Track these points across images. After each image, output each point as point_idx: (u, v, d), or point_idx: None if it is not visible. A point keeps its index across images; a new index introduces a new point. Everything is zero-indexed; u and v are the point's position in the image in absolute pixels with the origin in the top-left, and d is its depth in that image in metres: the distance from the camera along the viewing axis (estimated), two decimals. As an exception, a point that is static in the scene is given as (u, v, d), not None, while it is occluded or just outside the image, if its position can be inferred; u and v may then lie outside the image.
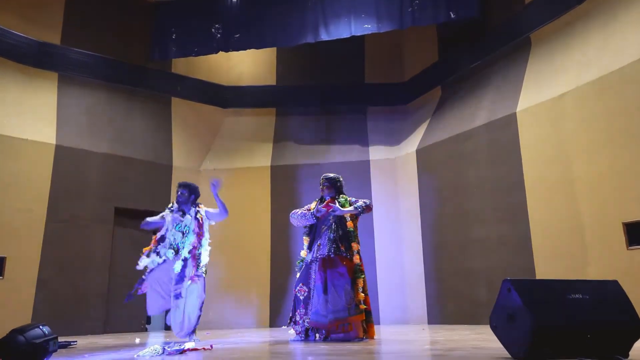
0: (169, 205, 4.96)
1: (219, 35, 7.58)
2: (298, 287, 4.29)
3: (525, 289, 2.40)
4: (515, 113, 6.00)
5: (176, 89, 8.01)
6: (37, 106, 6.61)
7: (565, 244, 5.25)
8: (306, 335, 4.22)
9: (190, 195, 4.92)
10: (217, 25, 7.59)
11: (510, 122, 6.04)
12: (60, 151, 6.59)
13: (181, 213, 4.83)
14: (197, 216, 4.83)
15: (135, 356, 3.12)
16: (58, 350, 3.19)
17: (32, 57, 6.65)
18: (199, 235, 4.74)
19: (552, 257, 5.39)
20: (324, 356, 2.89)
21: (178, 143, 7.88)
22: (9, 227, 6.00)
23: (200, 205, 4.97)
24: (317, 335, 4.17)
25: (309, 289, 4.22)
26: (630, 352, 2.39)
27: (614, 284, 2.55)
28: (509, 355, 2.42)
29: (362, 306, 4.12)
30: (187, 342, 4.02)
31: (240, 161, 8.10)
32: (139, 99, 7.64)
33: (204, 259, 4.68)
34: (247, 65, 8.74)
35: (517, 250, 5.76)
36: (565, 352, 2.28)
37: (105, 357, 3.22)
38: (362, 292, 4.19)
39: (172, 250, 4.59)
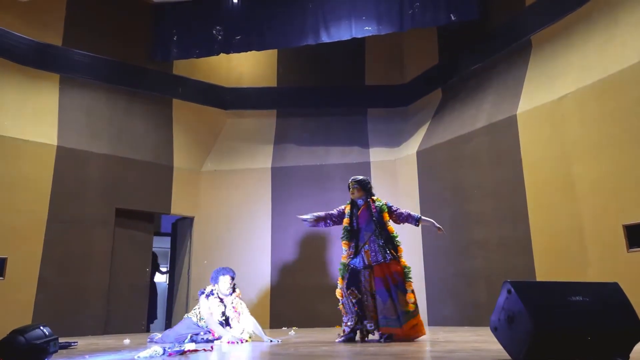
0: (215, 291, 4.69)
1: (220, 37, 7.59)
2: (349, 292, 4.24)
3: (526, 291, 2.40)
4: (515, 115, 6.00)
5: (177, 90, 8.02)
6: (38, 107, 6.62)
7: (566, 246, 5.25)
8: (351, 333, 4.22)
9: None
10: (218, 27, 7.61)
11: (510, 125, 6.05)
12: (62, 152, 6.60)
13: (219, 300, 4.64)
14: (233, 304, 4.70)
15: (135, 357, 3.12)
16: (58, 351, 3.20)
17: (33, 59, 6.67)
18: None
19: (552, 259, 5.39)
20: (323, 357, 2.90)
21: (179, 144, 7.90)
22: (10, 227, 6.01)
23: (237, 291, 4.80)
24: (382, 339, 4.08)
25: (362, 294, 4.21)
26: (631, 355, 2.39)
27: (615, 286, 2.55)
28: (509, 357, 2.42)
29: (412, 306, 4.13)
30: (187, 344, 4.03)
31: (241, 162, 8.11)
32: (140, 101, 7.65)
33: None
34: (248, 67, 8.75)
35: (517, 252, 5.76)
36: (566, 354, 2.28)
37: (106, 358, 3.23)
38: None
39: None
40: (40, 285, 6.14)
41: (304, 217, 4.57)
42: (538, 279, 5.38)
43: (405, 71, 8.52)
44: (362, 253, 4.29)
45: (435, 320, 6.73)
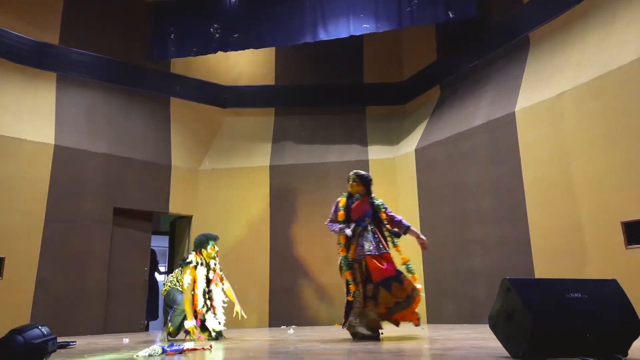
0: (197, 260, 4.86)
1: (217, 35, 7.57)
2: (350, 285, 4.21)
3: (524, 289, 2.40)
4: (514, 112, 6.00)
5: (175, 89, 8.01)
6: (35, 106, 6.60)
7: (564, 243, 5.26)
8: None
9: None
10: (215, 25, 7.59)
11: (509, 122, 6.05)
12: (59, 151, 6.58)
13: (206, 269, 4.88)
14: (215, 268, 4.96)
15: (135, 356, 3.11)
16: (57, 350, 3.19)
17: (31, 57, 6.65)
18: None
19: (551, 256, 5.40)
20: (321, 355, 2.89)
21: (177, 143, 7.88)
22: (7, 227, 5.99)
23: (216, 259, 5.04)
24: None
25: (358, 285, 4.17)
26: (630, 351, 2.39)
27: (613, 283, 2.55)
28: (508, 355, 2.42)
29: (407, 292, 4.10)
30: (186, 342, 4.02)
31: (239, 161, 8.10)
32: (137, 99, 7.63)
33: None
34: (245, 65, 8.74)
35: (516, 250, 5.76)
36: (564, 351, 2.28)
37: (105, 357, 3.22)
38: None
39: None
40: (39, 285, 6.13)
41: (347, 231, 4.35)
42: (537, 276, 5.39)
43: (404, 69, 8.52)
44: (359, 246, 4.22)
45: (435, 317, 6.74)
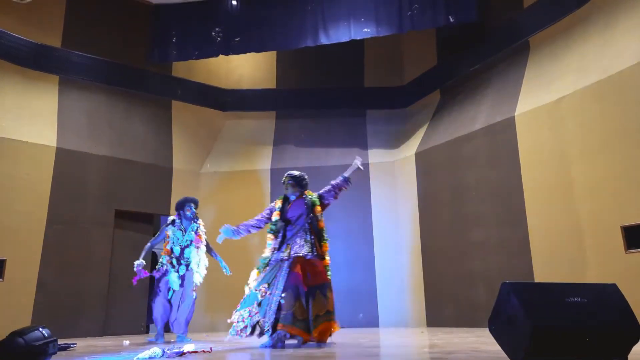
0: (172, 220, 5.37)
1: (219, 39, 7.60)
2: (260, 287, 4.06)
3: (524, 292, 2.41)
4: (514, 117, 6.02)
5: (176, 92, 8.03)
6: (37, 109, 6.62)
7: (564, 247, 5.26)
8: (252, 332, 3.99)
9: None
10: (217, 29, 7.62)
11: (509, 126, 6.06)
12: (61, 154, 6.60)
13: (182, 230, 5.28)
14: (198, 231, 5.35)
15: (135, 359, 3.12)
16: (57, 352, 3.20)
17: (33, 60, 6.67)
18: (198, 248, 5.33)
19: (550, 260, 5.40)
20: (322, 359, 2.90)
21: (178, 146, 7.90)
22: (9, 229, 6.00)
23: (200, 222, 5.45)
24: (284, 341, 3.90)
25: (270, 289, 4.02)
26: (629, 356, 2.40)
27: (613, 287, 2.56)
28: (508, 358, 2.42)
29: (328, 309, 4.00)
30: (186, 344, 4.03)
31: (241, 164, 8.11)
32: (139, 102, 7.65)
33: (197, 279, 5.24)
34: (247, 69, 8.77)
35: (515, 254, 5.77)
36: (564, 355, 2.29)
37: (105, 360, 3.22)
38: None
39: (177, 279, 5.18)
40: (40, 287, 6.13)
41: (229, 231, 4.37)
42: (536, 280, 5.39)
43: (404, 73, 8.54)
44: (285, 247, 4.17)
45: (434, 321, 6.73)
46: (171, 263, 5.19)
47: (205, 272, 5.33)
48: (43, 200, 6.36)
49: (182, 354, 3.39)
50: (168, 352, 3.38)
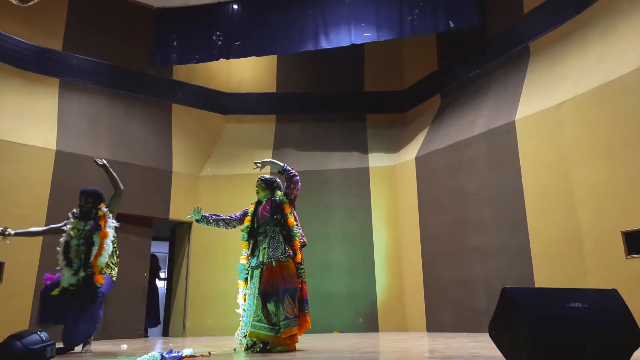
0: (73, 212, 4.74)
1: (220, 42, 7.62)
2: (241, 298, 4.11)
3: (524, 298, 2.40)
4: (514, 121, 6.02)
5: (177, 95, 8.04)
6: (37, 112, 6.63)
7: (564, 252, 5.25)
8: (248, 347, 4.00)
9: (95, 203, 4.75)
10: (218, 33, 7.64)
11: (509, 131, 6.06)
12: (61, 157, 6.59)
13: (83, 223, 4.61)
14: (98, 215, 4.68)
15: (133, 363, 3.10)
16: (55, 356, 3.19)
17: (34, 63, 6.68)
18: (103, 237, 4.57)
19: (551, 265, 5.39)
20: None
21: (178, 149, 7.90)
22: (8, 232, 5.98)
23: (101, 205, 4.79)
24: (258, 346, 3.91)
25: (247, 298, 4.05)
26: (630, 362, 2.39)
27: (613, 293, 2.55)
28: (508, 364, 2.41)
29: (294, 312, 3.92)
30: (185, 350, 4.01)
31: (240, 168, 8.10)
32: (139, 105, 7.66)
33: (102, 260, 4.59)
34: (247, 72, 8.78)
35: (516, 259, 5.76)
36: (564, 360, 2.28)
37: (103, 364, 3.21)
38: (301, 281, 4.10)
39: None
40: (38, 290, 6.09)
41: (197, 212, 4.29)
42: (537, 285, 5.38)
43: (404, 77, 8.56)
44: (260, 251, 4.15)
45: (434, 326, 6.71)
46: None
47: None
48: (42, 203, 6.35)
49: (180, 358, 3.38)
50: (166, 356, 3.36)
